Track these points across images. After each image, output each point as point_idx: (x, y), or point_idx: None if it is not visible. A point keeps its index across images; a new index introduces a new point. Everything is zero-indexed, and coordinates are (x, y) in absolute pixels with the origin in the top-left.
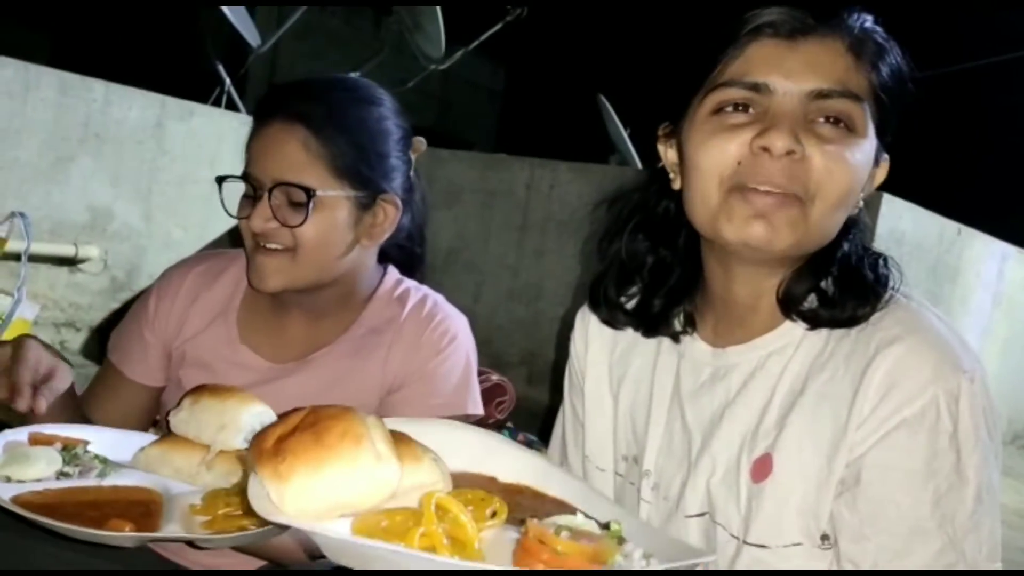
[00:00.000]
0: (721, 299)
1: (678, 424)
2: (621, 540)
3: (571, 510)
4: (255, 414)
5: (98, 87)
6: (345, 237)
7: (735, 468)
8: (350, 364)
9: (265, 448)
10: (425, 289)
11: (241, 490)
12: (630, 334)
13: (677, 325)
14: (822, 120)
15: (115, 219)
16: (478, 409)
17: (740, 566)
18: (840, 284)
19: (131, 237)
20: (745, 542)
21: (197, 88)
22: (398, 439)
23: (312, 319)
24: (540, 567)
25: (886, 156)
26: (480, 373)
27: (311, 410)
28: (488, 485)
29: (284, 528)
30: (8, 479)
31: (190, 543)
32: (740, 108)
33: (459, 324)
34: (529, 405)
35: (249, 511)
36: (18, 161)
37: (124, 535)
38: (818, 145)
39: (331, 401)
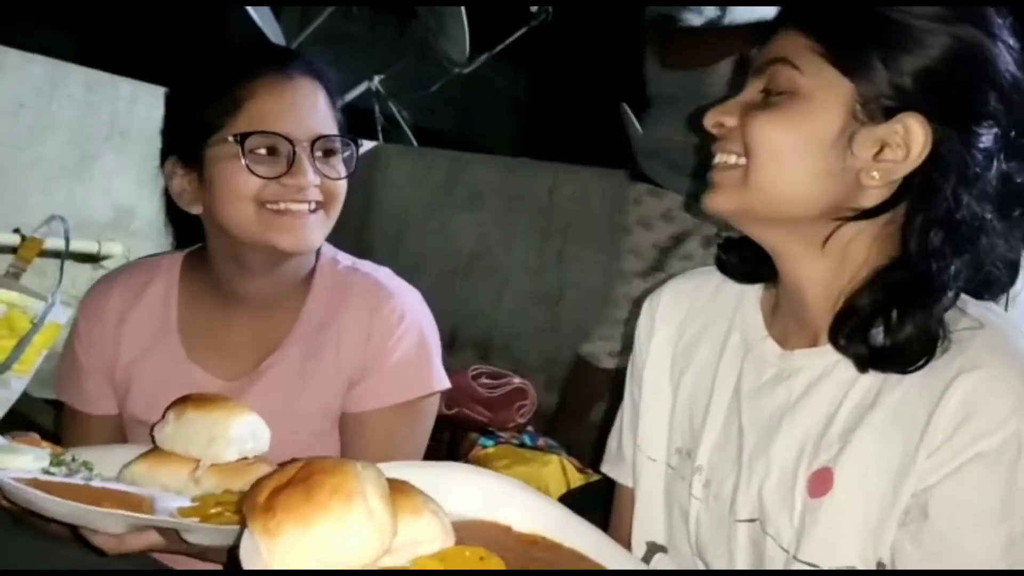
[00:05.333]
0: (789, 296)
1: (735, 423)
2: None
3: (589, 563)
4: (245, 424)
5: (124, 85)
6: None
7: (791, 478)
8: (302, 369)
9: (258, 502)
10: (364, 266)
11: (239, 494)
12: (699, 324)
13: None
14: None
15: (138, 217)
16: (444, 384)
17: None
18: (898, 323)
19: (154, 235)
20: (795, 558)
21: None
22: (398, 489)
23: (259, 312)
24: None
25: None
26: (501, 376)
27: (305, 463)
28: (502, 536)
29: None
30: None
31: (181, 540)
32: None
33: (407, 300)
34: (548, 410)
35: (240, 511)
36: (43, 158)
37: (116, 513)
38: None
39: (294, 414)
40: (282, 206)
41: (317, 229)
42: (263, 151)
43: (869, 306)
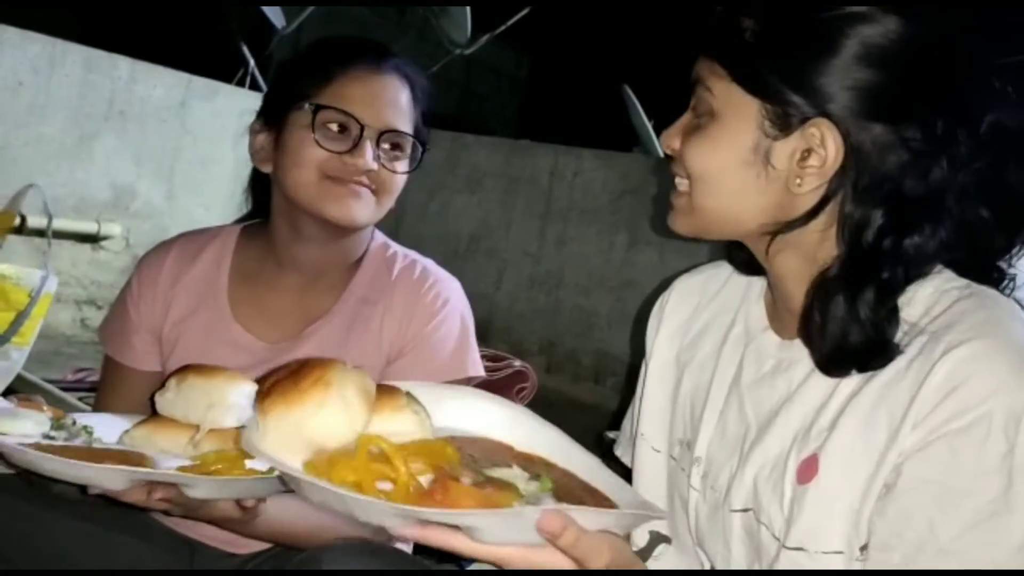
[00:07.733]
0: (776, 288)
1: (733, 413)
2: (552, 494)
3: (579, 482)
4: (244, 392)
5: (123, 64)
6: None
7: (782, 467)
8: (343, 339)
9: (262, 389)
10: (412, 254)
11: (238, 452)
12: (705, 318)
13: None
14: None
15: (138, 197)
16: (478, 371)
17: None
18: (838, 322)
19: (153, 215)
20: (784, 546)
21: (222, 68)
22: (386, 391)
23: (308, 282)
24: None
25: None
26: (502, 359)
27: (303, 360)
28: (503, 451)
29: (269, 484)
30: None
31: (181, 496)
32: None
33: (451, 287)
34: (547, 393)
35: (238, 469)
36: (42, 137)
37: (118, 469)
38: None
39: None
40: (332, 178)
41: (366, 208)
42: (335, 127)
43: (809, 306)
